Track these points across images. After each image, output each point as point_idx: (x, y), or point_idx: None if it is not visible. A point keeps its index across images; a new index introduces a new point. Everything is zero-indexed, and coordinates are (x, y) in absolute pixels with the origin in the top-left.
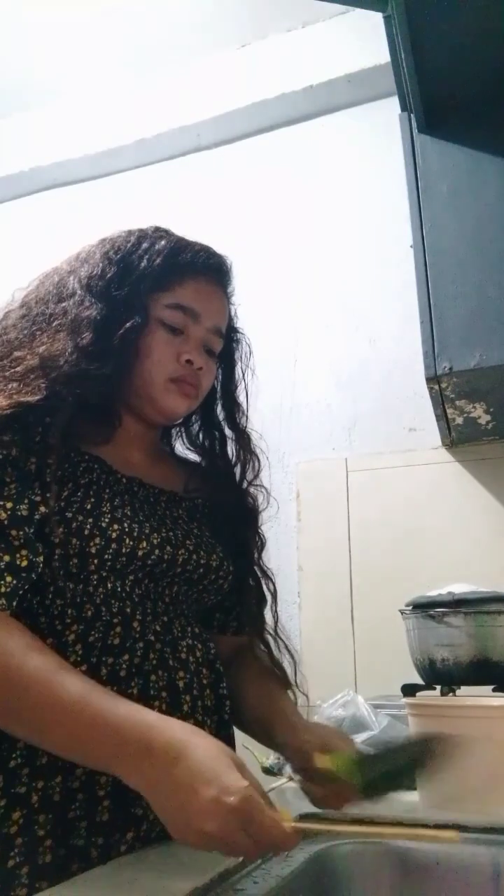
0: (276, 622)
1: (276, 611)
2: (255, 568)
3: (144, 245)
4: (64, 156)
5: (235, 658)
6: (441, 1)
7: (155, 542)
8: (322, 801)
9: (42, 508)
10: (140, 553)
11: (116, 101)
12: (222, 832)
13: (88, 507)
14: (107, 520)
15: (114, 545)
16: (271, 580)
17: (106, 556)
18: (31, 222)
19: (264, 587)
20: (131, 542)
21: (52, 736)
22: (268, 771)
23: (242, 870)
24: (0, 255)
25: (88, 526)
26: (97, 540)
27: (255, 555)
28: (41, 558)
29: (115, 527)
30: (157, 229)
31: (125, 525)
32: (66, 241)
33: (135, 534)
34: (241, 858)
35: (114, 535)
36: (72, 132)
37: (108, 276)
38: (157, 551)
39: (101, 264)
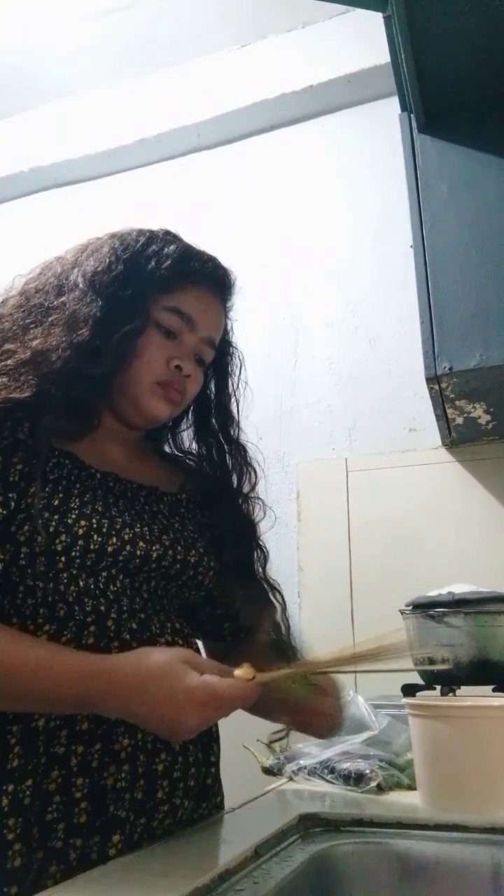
0: (287, 630)
1: (286, 619)
2: (262, 581)
3: (154, 247)
4: (64, 156)
5: (240, 646)
6: (441, 1)
7: (126, 537)
8: (310, 724)
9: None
10: (109, 549)
11: (116, 101)
12: (203, 719)
13: (56, 503)
14: (74, 516)
15: (81, 542)
16: (278, 591)
17: (73, 553)
18: (31, 222)
19: (273, 598)
20: (99, 539)
21: (30, 692)
22: (268, 771)
23: (242, 870)
24: (0, 256)
25: (54, 523)
26: (63, 537)
27: (260, 569)
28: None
29: (83, 523)
30: (167, 233)
31: (93, 521)
32: (66, 242)
33: (104, 529)
34: (240, 859)
35: (80, 531)
36: (71, 132)
37: (114, 273)
38: (128, 547)
39: (107, 260)
